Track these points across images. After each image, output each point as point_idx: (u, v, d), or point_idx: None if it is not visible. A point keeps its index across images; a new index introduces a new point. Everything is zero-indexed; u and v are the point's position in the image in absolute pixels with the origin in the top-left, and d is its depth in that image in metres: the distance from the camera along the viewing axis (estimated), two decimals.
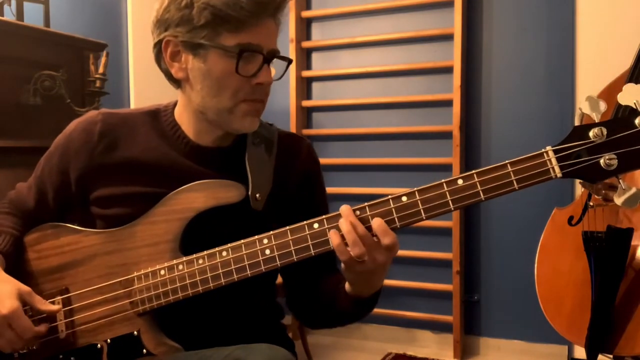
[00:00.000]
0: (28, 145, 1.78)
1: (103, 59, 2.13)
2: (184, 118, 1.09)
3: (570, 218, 1.82)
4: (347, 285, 1.00)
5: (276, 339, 1.02)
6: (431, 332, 2.85)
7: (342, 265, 0.95)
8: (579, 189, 1.96)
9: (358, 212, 0.92)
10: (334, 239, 0.91)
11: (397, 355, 2.73)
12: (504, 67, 2.71)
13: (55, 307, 1.04)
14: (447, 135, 2.73)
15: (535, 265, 1.90)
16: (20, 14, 2.06)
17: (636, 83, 1.74)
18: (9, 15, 2.03)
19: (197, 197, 1.02)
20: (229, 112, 1.02)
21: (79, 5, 2.57)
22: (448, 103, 2.72)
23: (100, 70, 2.11)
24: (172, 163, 1.07)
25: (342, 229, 0.91)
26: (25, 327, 0.98)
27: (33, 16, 2.13)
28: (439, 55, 2.78)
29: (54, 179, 1.12)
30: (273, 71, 1.04)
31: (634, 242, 1.65)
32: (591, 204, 1.75)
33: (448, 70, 2.72)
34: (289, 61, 1.08)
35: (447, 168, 2.71)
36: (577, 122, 0.87)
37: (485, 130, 2.74)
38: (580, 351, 2.30)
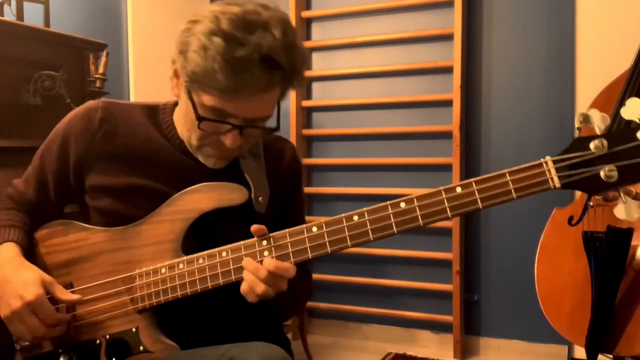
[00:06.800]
0: (28, 145, 1.76)
1: (103, 59, 2.13)
2: (180, 122, 1.10)
3: (570, 218, 1.82)
4: None
5: (272, 337, 1.03)
6: (431, 332, 2.85)
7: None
8: None
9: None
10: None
11: (397, 355, 2.73)
12: (504, 67, 2.71)
13: (75, 296, 1.05)
14: (447, 135, 2.73)
15: (535, 265, 1.89)
16: (20, 14, 2.05)
17: (636, 82, 1.74)
18: (9, 15, 2.03)
19: (201, 198, 1.04)
20: (196, 147, 1.06)
21: (79, 5, 2.57)
22: (448, 103, 2.72)
23: (100, 70, 2.11)
24: (169, 157, 1.09)
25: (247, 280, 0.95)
26: (48, 313, 1.00)
27: (33, 16, 2.12)
28: (439, 55, 2.78)
29: (54, 167, 1.12)
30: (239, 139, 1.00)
31: (634, 242, 1.65)
32: (591, 204, 1.75)
33: (448, 70, 2.72)
34: (273, 130, 1.04)
35: (447, 168, 2.70)
36: (576, 135, 0.87)
37: (485, 130, 2.74)
38: (580, 351, 2.30)
